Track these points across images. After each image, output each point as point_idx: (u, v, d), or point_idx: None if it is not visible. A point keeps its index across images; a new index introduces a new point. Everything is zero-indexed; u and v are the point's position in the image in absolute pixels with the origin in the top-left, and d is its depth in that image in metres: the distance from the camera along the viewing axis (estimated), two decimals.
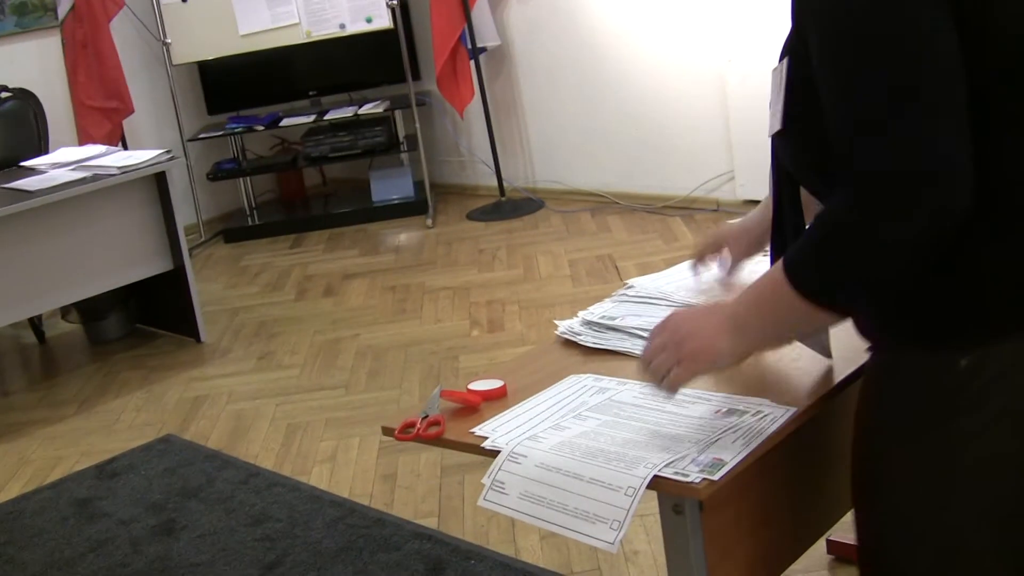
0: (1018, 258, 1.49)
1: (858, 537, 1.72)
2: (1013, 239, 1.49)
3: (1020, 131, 1.47)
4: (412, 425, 1.98)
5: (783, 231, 1.79)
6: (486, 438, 1.88)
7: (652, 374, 1.73)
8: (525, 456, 1.81)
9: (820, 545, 2.91)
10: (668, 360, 1.70)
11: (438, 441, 1.96)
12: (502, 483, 1.80)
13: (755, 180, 6.08)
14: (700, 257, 2.35)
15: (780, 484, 2.00)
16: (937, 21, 1.42)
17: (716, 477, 1.65)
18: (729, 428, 1.77)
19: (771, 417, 1.78)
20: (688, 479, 1.65)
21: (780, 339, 1.72)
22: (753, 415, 1.80)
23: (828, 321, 1.64)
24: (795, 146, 1.65)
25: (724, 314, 1.67)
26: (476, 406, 2.01)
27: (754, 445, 1.72)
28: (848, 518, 1.92)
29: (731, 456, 1.69)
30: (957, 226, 1.43)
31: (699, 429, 1.79)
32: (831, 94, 1.49)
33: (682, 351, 1.69)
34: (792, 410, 1.79)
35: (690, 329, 1.69)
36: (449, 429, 1.96)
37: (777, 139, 1.68)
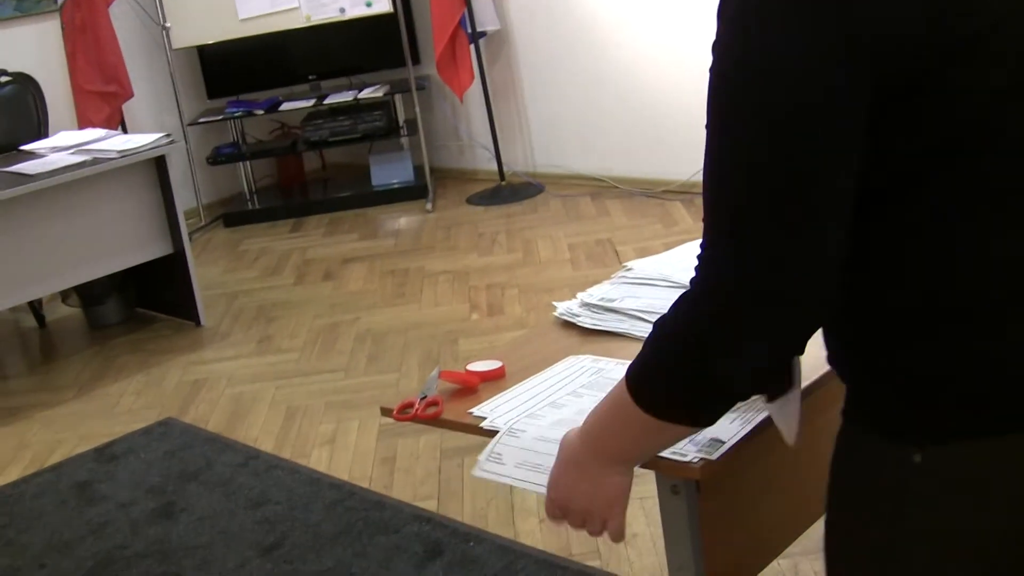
0: (979, 358, 1.30)
1: None
2: (973, 337, 1.30)
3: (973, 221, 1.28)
4: (410, 406, 1.98)
5: None
6: (484, 418, 1.88)
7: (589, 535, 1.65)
8: (524, 431, 1.81)
9: (818, 526, 2.92)
10: (587, 526, 1.60)
11: (436, 421, 1.95)
12: (499, 455, 1.79)
13: None
14: None
15: (779, 464, 2.00)
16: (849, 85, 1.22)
17: (714, 457, 1.65)
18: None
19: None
20: (686, 459, 1.65)
21: (647, 452, 1.55)
22: None
23: (690, 432, 1.47)
24: None
25: (582, 457, 1.54)
26: (474, 387, 2.01)
27: (753, 424, 1.72)
28: None
29: (729, 436, 1.69)
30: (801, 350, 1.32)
31: None
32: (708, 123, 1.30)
33: (584, 515, 1.58)
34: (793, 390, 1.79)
35: (569, 493, 1.57)
36: (447, 410, 1.95)
37: None
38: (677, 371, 1.34)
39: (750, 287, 1.25)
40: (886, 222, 1.29)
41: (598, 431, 1.51)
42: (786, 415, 1.51)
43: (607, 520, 1.57)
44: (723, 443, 1.67)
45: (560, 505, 1.60)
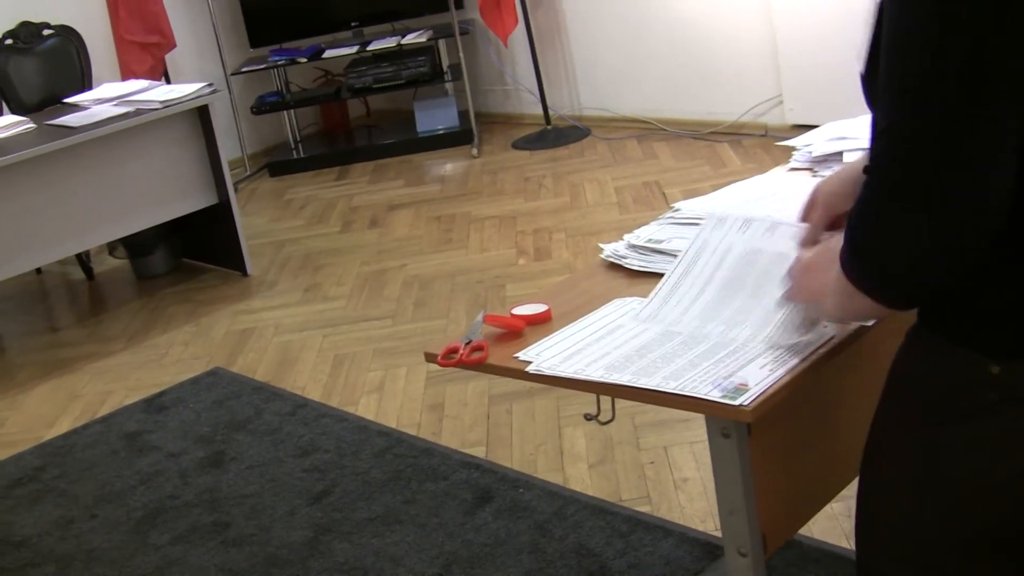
0: None
1: (858, 487, 1.65)
2: None
3: None
4: (455, 351, 1.94)
5: None
6: (530, 362, 1.85)
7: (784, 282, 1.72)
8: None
9: None
10: (793, 281, 1.67)
11: (481, 366, 1.92)
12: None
13: (804, 104, 5.99)
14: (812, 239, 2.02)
15: (830, 407, 1.96)
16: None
17: (737, 402, 1.61)
18: (772, 347, 1.73)
19: (807, 342, 1.73)
20: (736, 402, 1.61)
21: (850, 316, 1.60)
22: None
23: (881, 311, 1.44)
24: (872, 85, 1.43)
25: (836, 271, 1.50)
26: (520, 331, 1.97)
27: (782, 371, 1.67)
28: None
29: (756, 382, 1.65)
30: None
31: (734, 351, 1.75)
32: (887, 39, 1.31)
33: (804, 279, 1.64)
34: (830, 333, 1.74)
35: (819, 264, 1.60)
36: (492, 354, 1.92)
37: (864, 77, 1.48)
38: (853, 238, 1.37)
39: (935, 157, 1.27)
40: None
41: (835, 279, 1.50)
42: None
43: (796, 286, 1.66)
44: (747, 389, 1.63)
45: (801, 261, 1.66)
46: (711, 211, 2.13)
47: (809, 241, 1.80)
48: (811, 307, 1.67)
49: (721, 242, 1.97)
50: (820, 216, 1.82)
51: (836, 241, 1.51)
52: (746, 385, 1.65)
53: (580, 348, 1.87)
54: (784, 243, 1.88)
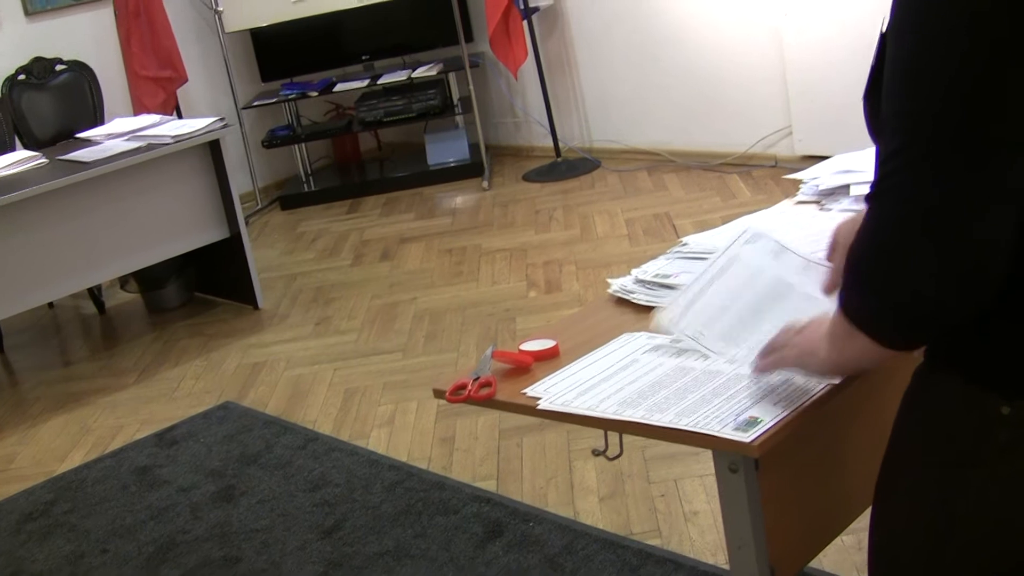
0: None
1: (870, 526, 1.65)
2: None
3: None
4: (464, 387, 1.95)
5: None
6: (538, 399, 1.85)
7: (763, 349, 1.69)
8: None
9: None
10: (778, 340, 1.65)
11: (489, 402, 1.92)
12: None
13: (813, 135, 6.00)
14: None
15: (838, 441, 1.96)
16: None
17: (748, 439, 1.60)
18: (778, 385, 1.73)
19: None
20: (748, 435, 1.61)
21: (850, 364, 1.54)
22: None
23: (884, 355, 1.43)
24: (873, 113, 1.45)
25: (827, 325, 1.54)
26: (528, 366, 1.97)
27: (794, 406, 1.67)
28: None
29: (769, 417, 1.64)
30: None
31: (746, 386, 1.75)
32: (891, 63, 1.32)
33: (793, 336, 1.63)
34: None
35: (809, 325, 1.61)
36: (501, 390, 1.92)
37: (865, 105, 1.50)
38: (855, 270, 1.37)
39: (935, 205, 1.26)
40: None
41: (831, 324, 1.51)
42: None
43: (782, 350, 1.64)
44: (759, 421, 1.63)
45: (794, 325, 1.65)
46: (750, 227, 2.11)
47: (831, 285, 1.81)
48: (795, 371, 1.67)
49: (753, 260, 1.97)
50: (842, 258, 1.82)
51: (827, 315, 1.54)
52: (757, 418, 1.65)
53: (590, 384, 1.87)
54: (814, 287, 1.88)
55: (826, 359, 1.53)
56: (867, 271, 1.34)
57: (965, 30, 1.23)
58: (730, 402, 1.71)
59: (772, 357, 1.67)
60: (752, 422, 1.64)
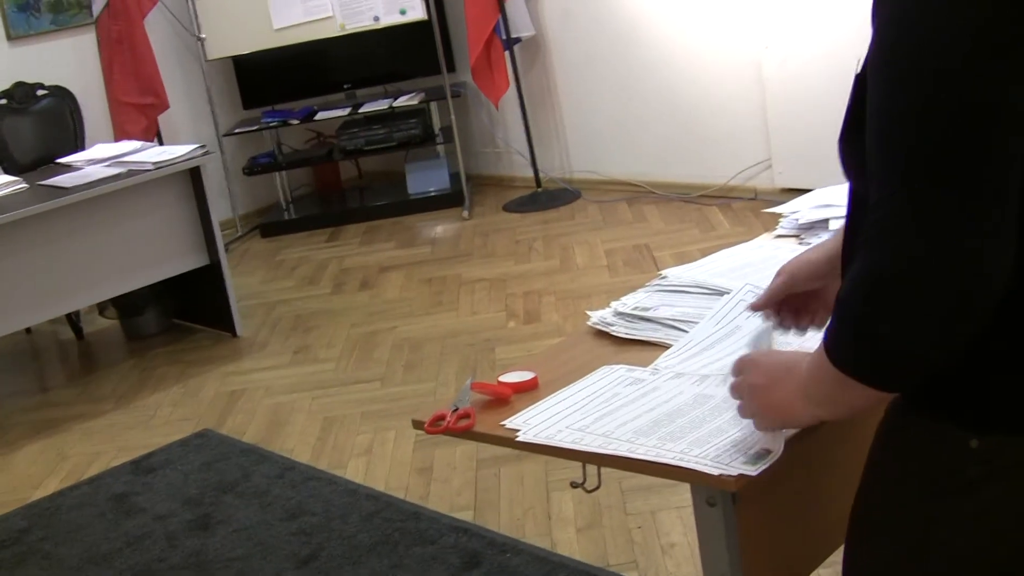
0: None
1: (843, 560, 1.65)
2: None
3: None
4: (442, 418, 1.95)
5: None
6: (517, 431, 1.85)
7: (738, 414, 1.66)
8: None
9: None
10: (749, 407, 1.62)
11: (468, 434, 1.92)
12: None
13: (793, 168, 6.03)
14: (765, 306, 1.94)
15: (817, 475, 1.96)
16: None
17: (754, 473, 1.60)
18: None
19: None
20: (720, 471, 1.61)
21: (843, 412, 1.48)
22: None
23: (878, 398, 1.41)
24: (848, 154, 1.44)
25: (799, 379, 1.50)
26: (507, 398, 1.98)
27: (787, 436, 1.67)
28: None
29: (779, 448, 1.64)
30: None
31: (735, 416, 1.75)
32: (875, 98, 1.30)
33: (762, 401, 1.59)
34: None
35: (771, 381, 1.57)
36: (480, 422, 1.92)
37: (840, 146, 1.47)
38: (843, 315, 1.33)
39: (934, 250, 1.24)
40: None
41: (807, 375, 1.48)
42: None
43: (760, 413, 1.61)
44: (769, 455, 1.63)
45: (748, 366, 1.61)
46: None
47: (760, 305, 1.84)
48: (771, 433, 1.65)
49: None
50: (780, 285, 1.84)
51: (779, 355, 1.55)
52: (769, 450, 1.64)
53: (568, 416, 1.87)
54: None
55: (813, 414, 1.51)
56: (862, 318, 1.30)
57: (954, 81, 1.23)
58: (717, 436, 1.71)
59: (746, 413, 1.64)
60: (762, 455, 1.63)
